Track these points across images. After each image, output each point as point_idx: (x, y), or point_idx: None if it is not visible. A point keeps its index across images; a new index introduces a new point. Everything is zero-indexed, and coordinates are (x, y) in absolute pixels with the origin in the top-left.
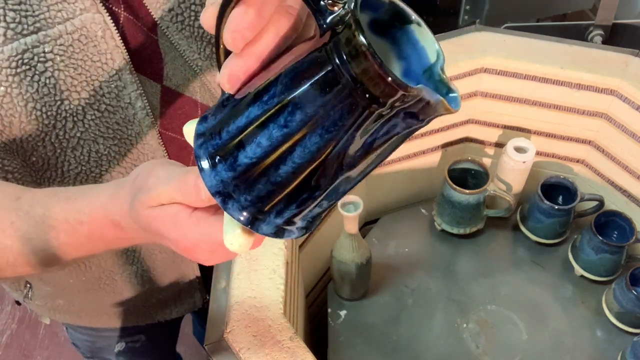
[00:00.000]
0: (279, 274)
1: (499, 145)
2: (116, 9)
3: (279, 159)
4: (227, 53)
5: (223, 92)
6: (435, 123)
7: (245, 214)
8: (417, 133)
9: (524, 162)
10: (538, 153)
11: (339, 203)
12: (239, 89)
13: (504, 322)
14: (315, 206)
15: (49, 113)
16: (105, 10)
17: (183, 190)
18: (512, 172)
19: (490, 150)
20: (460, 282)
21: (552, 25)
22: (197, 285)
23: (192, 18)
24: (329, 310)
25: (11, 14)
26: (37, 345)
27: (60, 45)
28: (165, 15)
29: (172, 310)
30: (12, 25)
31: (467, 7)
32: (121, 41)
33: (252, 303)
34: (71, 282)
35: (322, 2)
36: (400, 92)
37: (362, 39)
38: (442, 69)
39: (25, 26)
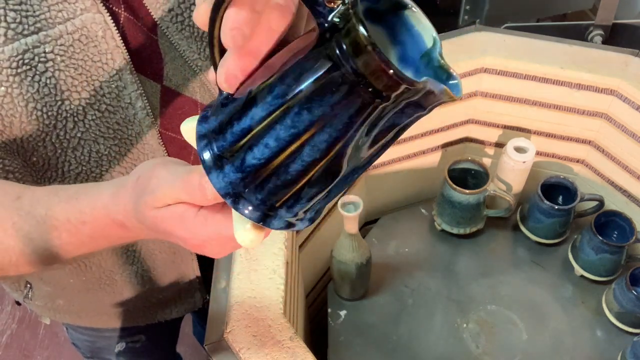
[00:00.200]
0: (279, 274)
1: (499, 145)
2: (116, 9)
3: (287, 158)
4: (222, 52)
5: (221, 90)
6: (435, 123)
7: (256, 212)
8: (417, 133)
9: (524, 162)
10: (538, 153)
11: (339, 203)
12: (238, 88)
13: (504, 322)
14: (323, 198)
15: (49, 113)
16: (106, 10)
17: (188, 190)
18: (512, 172)
19: (490, 150)
20: (460, 282)
21: (552, 25)
22: (197, 285)
23: (192, 19)
24: (329, 310)
25: (12, 14)
26: (37, 345)
27: (61, 45)
28: (165, 15)
29: (172, 311)
30: (12, 26)
31: (467, 7)
32: (121, 41)
33: (252, 303)
34: (71, 282)
35: None
36: (407, 87)
37: (367, 38)
38: (441, 55)
39: (26, 26)
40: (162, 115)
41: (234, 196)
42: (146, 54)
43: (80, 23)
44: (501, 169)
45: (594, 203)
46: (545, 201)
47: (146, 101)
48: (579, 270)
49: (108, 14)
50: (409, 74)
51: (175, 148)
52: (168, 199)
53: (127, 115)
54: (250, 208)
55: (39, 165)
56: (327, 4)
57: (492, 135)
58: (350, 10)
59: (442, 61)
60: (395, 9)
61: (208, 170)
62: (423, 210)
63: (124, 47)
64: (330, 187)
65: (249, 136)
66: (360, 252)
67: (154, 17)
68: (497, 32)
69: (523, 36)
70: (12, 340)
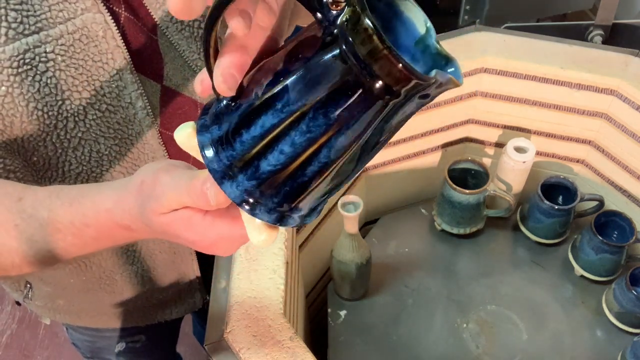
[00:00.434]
0: (279, 274)
1: (499, 145)
2: (117, 9)
3: (304, 162)
4: (215, 56)
5: (219, 100)
6: (435, 123)
7: (273, 215)
8: (417, 133)
9: (524, 162)
10: (538, 153)
11: (339, 203)
12: (238, 92)
13: (504, 322)
14: (335, 191)
15: (50, 113)
16: (106, 10)
17: (192, 197)
18: (512, 172)
19: (490, 150)
20: (460, 282)
21: (552, 25)
22: (197, 286)
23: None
24: (329, 310)
25: (13, 13)
26: (37, 345)
27: (62, 45)
28: (165, 15)
29: (172, 311)
30: (13, 25)
31: (467, 7)
32: (122, 41)
33: (252, 303)
34: (71, 282)
35: (324, 1)
36: (422, 84)
37: (383, 41)
38: (437, 41)
39: (27, 26)
40: (162, 115)
41: (250, 203)
42: (146, 54)
43: (81, 23)
44: (501, 169)
45: (594, 203)
46: (545, 201)
47: (146, 101)
48: (579, 270)
49: (108, 13)
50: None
51: (175, 148)
52: (173, 205)
53: (128, 115)
54: (267, 212)
55: (39, 164)
56: (331, 7)
57: (492, 135)
58: (361, 14)
59: (440, 47)
60: None
61: (220, 181)
62: (423, 210)
63: (125, 47)
64: (343, 182)
65: (261, 144)
66: (360, 252)
67: (154, 17)
68: (497, 32)
69: (523, 36)
70: (12, 340)
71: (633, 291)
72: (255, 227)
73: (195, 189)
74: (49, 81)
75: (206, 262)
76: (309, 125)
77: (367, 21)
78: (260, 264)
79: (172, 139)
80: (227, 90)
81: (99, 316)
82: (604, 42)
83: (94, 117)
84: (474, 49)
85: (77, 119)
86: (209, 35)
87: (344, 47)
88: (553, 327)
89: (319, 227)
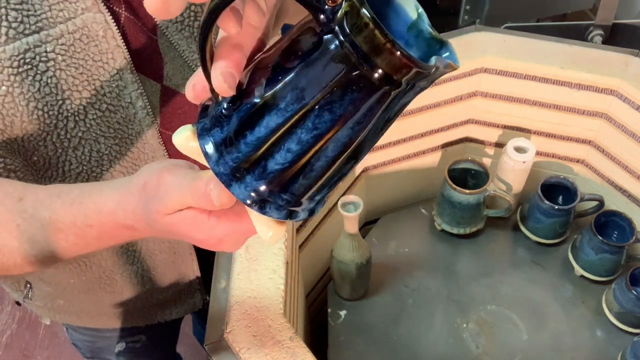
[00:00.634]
0: (279, 274)
1: (499, 145)
2: (117, 9)
3: (311, 158)
4: (212, 60)
5: (217, 102)
6: (435, 123)
7: (283, 211)
8: (417, 133)
9: (524, 162)
10: (538, 153)
11: (339, 203)
12: (237, 93)
13: (504, 322)
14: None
15: (50, 113)
16: (107, 10)
17: (195, 198)
18: (512, 172)
19: (490, 150)
20: (460, 282)
21: (552, 25)
22: (197, 286)
23: (192, 19)
24: (329, 310)
25: (13, 13)
26: (37, 345)
27: (62, 44)
28: None
29: (172, 311)
30: (14, 25)
31: (467, 7)
32: (122, 41)
33: (252, 303)
34: (72, 282)
35: None
36: (423, 72)
37: (386, 36)
38: (430, 26)
39: (27, 25)
40: (162, 114)
41: (259, 202)
42: (146, 54)
43: (81, 22)
44: (501, 169)
45: (594, 203)
46: (545, 201)
47: (146, 100)
48: (579, 270)
49: (109, 13)
50: None
51: (175, 147)
52: (177, 206)
53: (128, 114)
54: (276, 210)
55: (39, 164)
56: (328, 3)
57: (492, 135)
58: (360, 8)
59: (434, 32)
60: None
61: (227, 184)
62: (423, 210)
63: (125, 47)
64: (349, 171)
65: (267, 144)
66: (360, 252)
67: (154, 17)
68: (497, 32)
69: (523, 36)
70: (12, 340)
71: (633, 291)
72: (264, 224)
73: (199, 190)
74: (49, 81)
75: (206, 262)
76: (315, 122)
77: (367, 14)
78: (260, 264)
79: (171, 139)
80: (227, 89)
81: (99, 316)
82: (604, 42)
83: (94, 116)
84: (474, 49)
85: (77, 118)
86: (205, 40)
87: (344, 42)
88: (553, 327)
89: (319, 227)
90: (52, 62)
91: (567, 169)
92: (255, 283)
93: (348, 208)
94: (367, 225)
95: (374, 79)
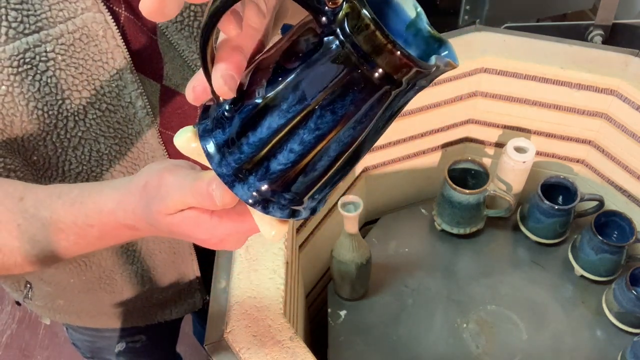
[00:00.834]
0: (279, 274)
1: (499, 145)
2: (117, 9)
3: (314, 157)
4: (213, 62)
5: (218, 104)
6: (435, 123)
7: (286, 210)
8: (417, 133)
9: (524, 162)
10: (538, 153)
11: (339, 203)
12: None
13: (504, 322)
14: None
15: (50, 112)
16: (107, 10)
17: (197, 198)
18: (512, 172)
19: (490, 150)
20: (460, 282)
21: (552, 25)
22: (197, 286)
23: (192, 18)
24: (329, 310)
25: (13, 13)
26: (37, 345)
27: (62, 44)
28: None
29: (172, 311)
30: (13, 25)
31: (467, 7)
32: (122, 41)
33: (252, 303)
34: (71, 282)
35: None
36: (424, 72)
37: (387, 36)
38: (429, 24)
39: (27, 25)
40: (162, 114)
41: (262, 203)
42: (146, 54)
43: (81, 22)
44: (501, 169)
45: (594, 203)
46: (545, 201)
47: (146, 100)
48: (579, 270)
49: (109, 13)
50: None
51: (175, 147)
52: (179, 206)
53: (128, 114)
54: (280, 209)
55: (39, 164)
56: (328, 4)
57: (492, 135)
58: (360, 9)
59: (432, 31)
60: None
61: (231, 185)
62: (423, 210)
63: (125, 47)
64: (350, 169)
65: (269, 145)
66: (360, 252)
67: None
68: (497, 32)
69: (523, 36)
70: (12, 340)
71: (633, 291)
72: (266, 223)
73: (201, 190)
74: (49, 80)
75: (206, 262)
76: (317, 123)
77: (368, 15)
78: (260, 264)
79: (172, 139)
80: (228, 92)
81: (99, 316)
82: (604, 42)
83: (94, 116)
84: (474, 49)
85: (77, 118)
86: (206, 43)
87: (345, 42)
88: (553, 327)
89: (319, 227)
90: (52, 62)
91: (567, 169)
92: (255, 283)
93: (348, 208)
94: (367, 225)
95: (374, 79)
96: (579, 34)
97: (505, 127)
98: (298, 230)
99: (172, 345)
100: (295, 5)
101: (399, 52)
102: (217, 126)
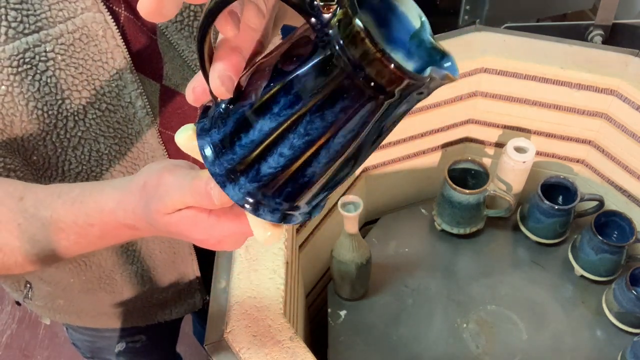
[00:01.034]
0: (279, 274)
1: (499, 145)
2: (117, 9)
3: (304, 163)
4: (210, 59)
5: (216, 104)
6: (435, 123)
7: (277, 214)
8: (417, 133)
9: (524, 162)
10: (538, 153)
11: (339, 203)
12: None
13: (504, 322)
14: (336, 187)
15: (50, 112)
16: (106, 10)
17: (195, 197)
18: (512, 172)
19: (490, 150)
20: (460, 282)
21: (552, 25)
22: (197, 286)
23: (191, 18)
24: (329, 310)
25: (13, 13)
26: (37, 345)
27: (62, 44)
28: None
29: (172, 311)
30: (13, 25)
31: (467, 7)
32: (122, 40)
33: (252, 303)
34: (71, 282)
35: (314, 3)
36: (416, 83)
37: (376, 45)
38: (432, 35)
39: (27, 25)
40: (162, 114)
41: (253, 205)
42: (146, 54)
43: (81, 22)
44: (501, 169)
45: (594, 203)
46: (545, 201)
47: (146, 100)
48: (579, 270)
49: (108, 13)
50: (399, 56)
51: (175, 147)
52: (177, 205)
53: (127, 114)
54: (270, 213)
55: (39, 164)
56: (322, 10)
57: (492, 135)
58: (353, 16)
59: (435, 42)
60: None
61: (222, 184)
62: (423, 210)
63: (124, 47)
64: (343, 177)
65: (261, 147)
66: (360, 252)
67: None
68: (497, 32)
69: (523, 36)
70: (12, 340)
71: (633, 291)
72: (260, 226)
73: (199, 189)
74: (48, 80)
75: (206, 262)
76: (307, 128)
77: (359, 24)
78: (260, 264)
79: (171, 139)
80: (225, 92)
81: (99, 316)
82: (604, 42)
83: (94, 116)
84: (474, 49)
85: (77, 118)
86: (203, 41)
87: (337, 50)
88: (553, 327)
89: (319, 227)
90: (51, 62)
91: (567, 169)
92: (255, 283)
93: (348, 208)
94: (367, 225)
95: (365, 88)
96: (579, 34)
97: (505, 127)
98: (298, 230)
99: (172, 345)
100: None
101: (388, 62)
102: (213, 126)
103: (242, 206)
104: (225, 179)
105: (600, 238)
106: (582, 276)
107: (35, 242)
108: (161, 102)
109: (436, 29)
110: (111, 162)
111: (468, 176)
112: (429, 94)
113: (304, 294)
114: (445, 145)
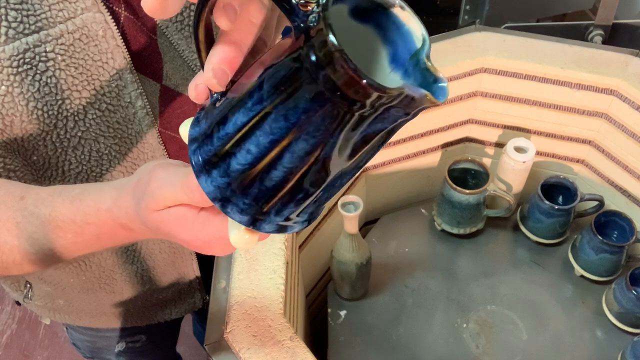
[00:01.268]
0: (279, 274)
1: (499, 145)
2: (117, 9)
3: (269, 164)
4: (207, 50)
5: (211, 94)
6: (435, 123)
7: (245, 216)
8: (417, 133)
9: (524, 162)
10: (538, 153)
11: (339, 203)
12: (228, 87)
13: (504, 322)
14: (313, 202)
15: (50, 112)
16: (106, 10)
17: (187, 192)
18: (512, 172)
19: (490, 150)
20: (460, 282)
21: (552, 25)
22: (197, 286)
23: (191, 18)
24: (329, 310)
25: (13, 13)
26: (37, 345)
27: (62, 44)
28: None
29: (172, 311)
30: (13, 25)
31: (467, 7)
32: (122, 41)
33: (252, 303)
34: (71, 282)
35: (293, 1)
36: (378, 95)
37: (335, 44)
38: (427, 56)
39: (27, 25)
40: (162, 114)
41: (222, 200)
42: (146, 54)
43: (81, 22)
44: (501, 169)
45: (594, 203)
46: (545, 201)
47: (146, 100)
48: (579, 270)
49: (108, 13)
50: (398, 75)
51: (175, 147)
52: (168, 201)
53: (127, 114)
54: (238, 212)
55: (39, 164)
56: (301, 8)
57: (492, 135)
58: (320, 15)
59: (429, 63)
60: (382, 6)
61: (197, 175)
62: (423, 210)
63: (124, 47)
64: (316, 192)
65: (232, 141)
66: (360, 252)
67: (152, 17)
68: (497, 32)
69: (523, 36)
70: (12, 340)
71: (633, 291)
72: (236, 229)
73: (192, 184)
74: (48, 80)
75: (206, 262)
76: (272, 127)
77: (323, 23)
78: (260, 264)
79: (171, 139)
80: (216, 85)
81: (99, 316)
82: (604, 42)
83: (94, 116)
84: (474, 49)
85: (77, 118)
86: (197, 29)
87: (304, 47)
88: (553, 327)
89: (319, 227)
90: (51, 62)
91: (567, 169)
92: (255, 283)
93: (348, 208)
94: (367, 225)
95: (326, 91)
96: (579, 34)
97: (505, 127)
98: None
99: (172, 345)
100: None
101: (345, 64)
102: (204, 117)
103: (212, 200)
104: (201, 169)
105: (600, 238)
106: (582, 276)
107: (33, 240)
108: (161, 102)
109: (436, 29)
110: (111, 162)
111: (468, 176)
112: (414, 115)
113: (304, 294)
114: (445, 145)
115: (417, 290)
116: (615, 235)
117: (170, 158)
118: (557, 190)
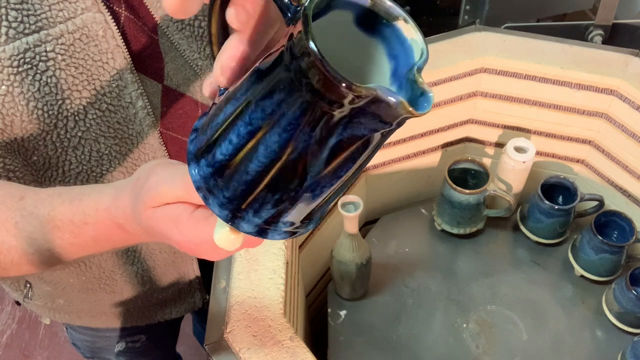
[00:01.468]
0: (279, 274)
1: (499, 145)
2: (117, 9)
3: (247, 157)
4: (220, 45)
5: (220, 90)
6: (435, 123)
7: (224, 210)
8: (417, 133)
9: (524, 162)
10: (538, 153)
11: (339, 203)
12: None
13: (504, 322)
14: (293, 209)
15: (50, 112)
16: (107, 10)
17: (187, 187)
18: (512, 172)
19: (490, 150)
20: (460, 282)
21: (552, 25)
22: (197, 285)
23: (192, 18)
24: (329, 310)
25: (13, 13)
26: (37, 345)
27: (62, 44)
28: (165, 15)
29: (172, 311)
30: (13, 25)
31: (467, 7)
32: (122, 41)
33: (252, 303)
34: (71, 282)
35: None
36: (347, 91)
37: (307, 34)
38: (418, 69)
39: (27, 25)
40: (163, 115)
41: (205, 191)
42: (147, 54)
43: (81, 22)
44: (501, 169)
45: (594, 203)
46: (545, 201)
47: (147, 101)
48: (579, 270)
49: (109, 13)
50: (393, 89)
51: (176, 148)
52: (166, 198)
53: (128, 114)
54: (218, 206)
55: (39, 164)
56: (292, 3)
57: (492, 135)
58: (305, 7)
59: (417, 76)
60: (387, 19)
61: (189, 163)
62: (423, 210)
63: (125, 47)
64: (294, 195)
65: (219, 131)
66: (360, 252)
67: (154, 16)
68: (497, 32)
69: (523, 36)
70: (12, 340)
71: (633, 291)
72: (221, 228)
73: (190, 181)
74: (49, 80)
75: (206, 262)
76: (251, 117)
77: (305, 13)
78: (260, 264)
79: (172, 139)
80: (223, 81)
81: (98, 316)
82: (604, 42)
83: (94, 116)
84: (474, 49)
85: (77, 118)
86: (210, 23)
87: (287, 43)
88: (553, 327)
89: (319, 227)
90: (52, 62)
91: (567, 169)
92: (255, 283)
93: (348, 208)
94: (367, 225)
95: (295, 81)
96: (579, 34)
97: (505, 127)
98: None
99: (172, 345)
100: None
101: (313, 54)
102: (209, 110)
103: (196, 189)
104: (192, 157)
105: (600, 238)
106: (582, 276)
107: (31, 240)
108: (163, 102)
109: (436, 29)
110: (111, 162)
111: (468, 176)
112: (398, 125)
113: (304, 294)
114: (445, 145)
115: (417, 290)
116: (615, 235)
117: (171, 159)
118: (557, 190)
